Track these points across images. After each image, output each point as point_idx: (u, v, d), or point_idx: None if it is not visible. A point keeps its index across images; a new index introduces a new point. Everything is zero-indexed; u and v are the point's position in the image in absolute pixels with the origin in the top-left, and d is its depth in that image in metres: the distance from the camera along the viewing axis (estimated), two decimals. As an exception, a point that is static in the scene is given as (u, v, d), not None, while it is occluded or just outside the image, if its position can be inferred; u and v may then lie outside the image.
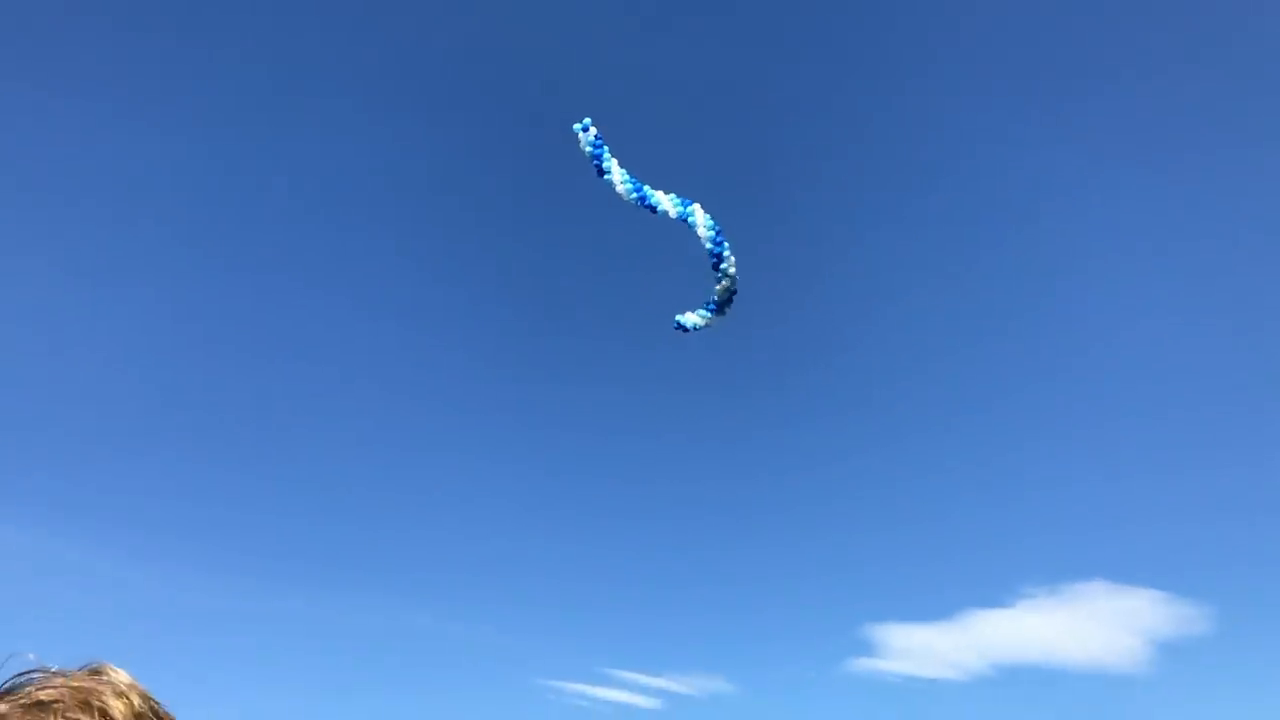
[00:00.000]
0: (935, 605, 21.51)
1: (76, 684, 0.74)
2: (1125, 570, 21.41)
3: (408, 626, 20.93)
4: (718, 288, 4.01)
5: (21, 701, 0.72)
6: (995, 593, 20.93)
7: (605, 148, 4.09)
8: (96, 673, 0.76)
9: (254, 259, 22.31)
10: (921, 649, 20.43)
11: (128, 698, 0.74)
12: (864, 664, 20.44)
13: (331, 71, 21.87)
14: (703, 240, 3.96)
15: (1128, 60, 21.71)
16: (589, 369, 23.61)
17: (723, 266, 3.96)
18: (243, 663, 19.41)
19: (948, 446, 22.98)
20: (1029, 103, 21.93)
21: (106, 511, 19.57)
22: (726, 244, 3.88)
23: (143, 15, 20.19)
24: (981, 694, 20.21)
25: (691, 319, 4.10)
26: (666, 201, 4.06)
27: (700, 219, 3.96)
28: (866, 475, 23.13)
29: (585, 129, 4.06)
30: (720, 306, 3.99)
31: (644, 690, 19.90)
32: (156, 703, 0.77)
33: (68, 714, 0.71)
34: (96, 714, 0.71)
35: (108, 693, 0.74)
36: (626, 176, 4.05)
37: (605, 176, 4.10)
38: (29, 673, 0.75)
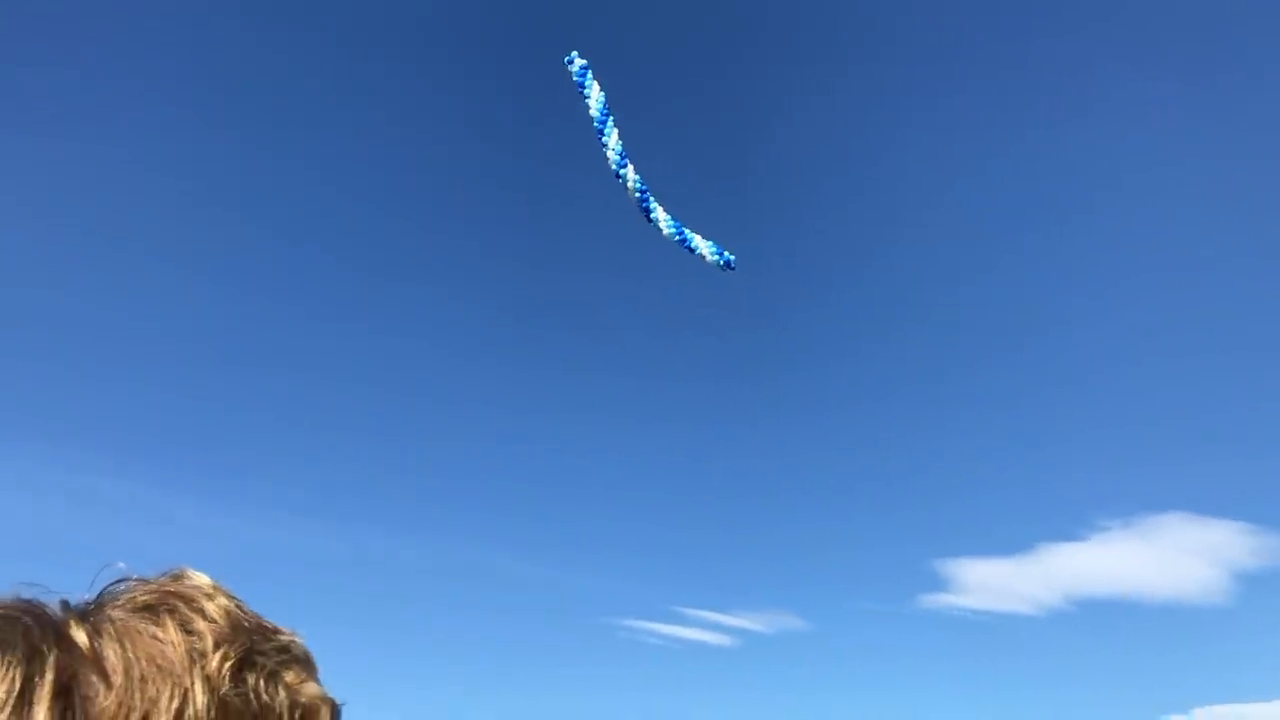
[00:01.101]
0: (1008, 539, 21.21)
1: (170, 588, 0.83)
2: (1205, 501, 20.84)
3: (481, 566, 21.23)
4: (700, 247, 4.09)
5: (128, 607, 0.80)
6: (1070, 526, 20.45)
7: (588, 74, 4.27)
8: (179, 577, 0.85)
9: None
10: (995, 584, 20.28)
11: (215, 598, 0.82)
12: (936, 599, 20.31)
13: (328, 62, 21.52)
14: (632, 200, 4.05)
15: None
16: (652, 314, 23.18)
17: (653, 217, 4.01)
18: (315, 600, 19.60)
19: (1019, 377, 22.12)
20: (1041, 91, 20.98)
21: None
22: (652, 197, 3.95)
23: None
24: (1056, 628, 20.08)
25: (704, 249, 4.15)
26: (613, 146, 4.16)
27: (631, 176, 4.04)
28: (938, 407, 22.52)
29: (571, 61, 4.30)
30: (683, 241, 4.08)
31: (716, 628, 19.93)
32: (241, 600, 0.85)
33: (171, 615, 0.78)
34: (196, 613, 0.79)
35: (198, 594, 0.82)
36: (602, 103, 4.22)
37: (585, 99, 4.33)
38: (122, 581, 0.83)
